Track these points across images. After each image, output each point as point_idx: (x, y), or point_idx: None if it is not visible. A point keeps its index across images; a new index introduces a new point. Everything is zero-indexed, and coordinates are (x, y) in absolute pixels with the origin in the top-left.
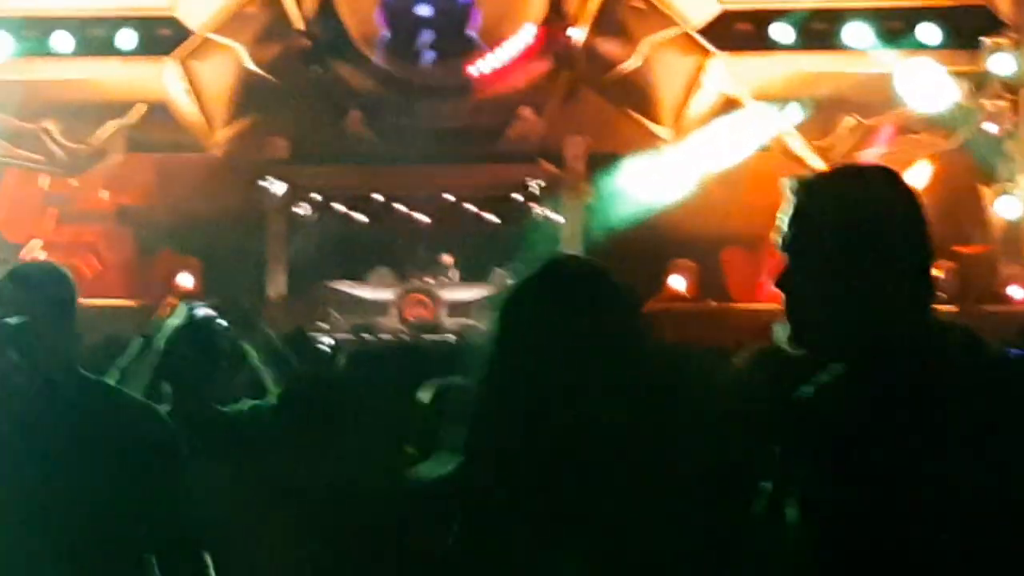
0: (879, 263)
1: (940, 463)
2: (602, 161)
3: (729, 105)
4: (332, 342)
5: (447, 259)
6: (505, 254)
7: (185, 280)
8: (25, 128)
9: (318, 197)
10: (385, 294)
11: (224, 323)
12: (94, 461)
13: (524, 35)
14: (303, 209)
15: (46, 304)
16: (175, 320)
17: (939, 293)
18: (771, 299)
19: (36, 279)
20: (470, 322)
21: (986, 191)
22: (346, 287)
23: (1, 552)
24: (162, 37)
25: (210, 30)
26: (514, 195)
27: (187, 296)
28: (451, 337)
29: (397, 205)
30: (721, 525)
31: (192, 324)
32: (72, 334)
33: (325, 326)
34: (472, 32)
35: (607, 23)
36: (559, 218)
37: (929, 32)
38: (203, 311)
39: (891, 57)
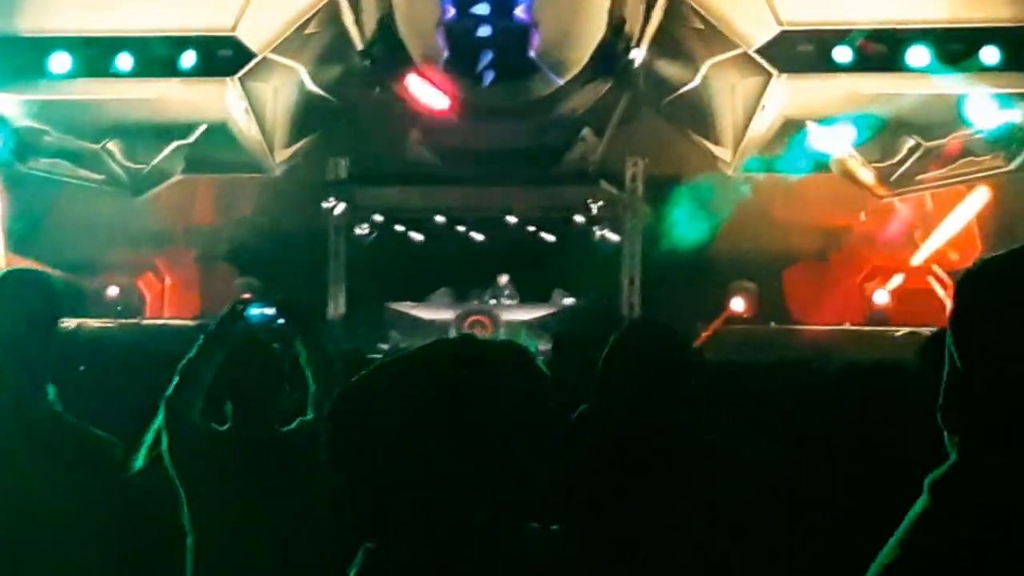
0: None
1: None
2: (662, 182)
3: (789, 126)
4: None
5: (503, 279)
6: (565, 275)
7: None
8: (87, 148)
9: (378, 217)
10: (445, 314)
11: (283, 321)
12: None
13: (584, 56)
14: (363, 229)
15: (18, 314)
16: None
17: None
18: (831, 320)
19: (7, 289)
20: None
21: None
22: (406, 308)
23: None
24: (223, 58)
25: (271, 51)
26: (574, 216)
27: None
28: None
29: (457, 226)
30: None
31: (253, 342)
32: (45, 346)
33: (384, 347)
34: (532, 53)
35: (667, 44)
36: (619, 239)
37: (991, 54)
38: (265, 310)
39: (952, 79)
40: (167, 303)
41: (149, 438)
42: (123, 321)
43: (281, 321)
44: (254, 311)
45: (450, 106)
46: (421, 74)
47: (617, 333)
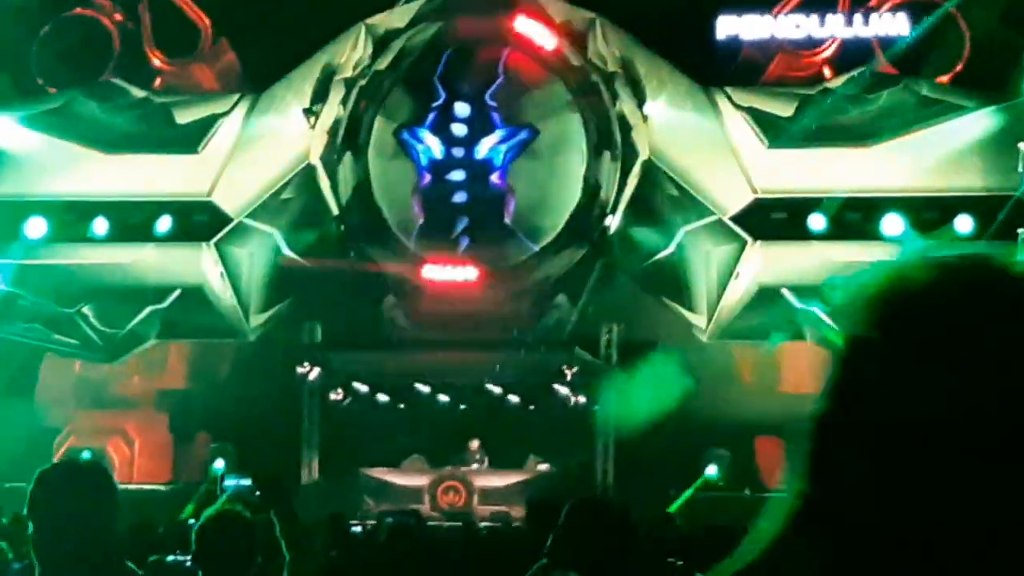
0: None
1: None
2: (636, 348)
3: (763, 293)
4: (361, 529)
5: (474, 444)
6: (540, 440)
7: (219, 465)
8: (62, 313)
9: (353, 383)
10: (418, 480)
11: (258, 494)
12: None
13: (560, 222)
14: (338, 395)
15: (87, 500)
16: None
17: None
18: None
19: (76, 477)
20: (503, 509)
21: None
22: (379, 473)
23: None
24: (199, 223)
25: (247, 216)
26: (550, 382)
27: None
28: (484, 524)
29: (431, 391)
30: None
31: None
32: (112, 526)
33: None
34: (508, 219)
35: (642, 211)
36: (593, 405)
37: (965, 223)
38: (240, 481)
39: (927, 248)
40: (136, 468)
41: None
42: None
43: (257, 493)
44: (229, 483)
45: (479, 275)
46: (433, 261)
47: (568, 508)
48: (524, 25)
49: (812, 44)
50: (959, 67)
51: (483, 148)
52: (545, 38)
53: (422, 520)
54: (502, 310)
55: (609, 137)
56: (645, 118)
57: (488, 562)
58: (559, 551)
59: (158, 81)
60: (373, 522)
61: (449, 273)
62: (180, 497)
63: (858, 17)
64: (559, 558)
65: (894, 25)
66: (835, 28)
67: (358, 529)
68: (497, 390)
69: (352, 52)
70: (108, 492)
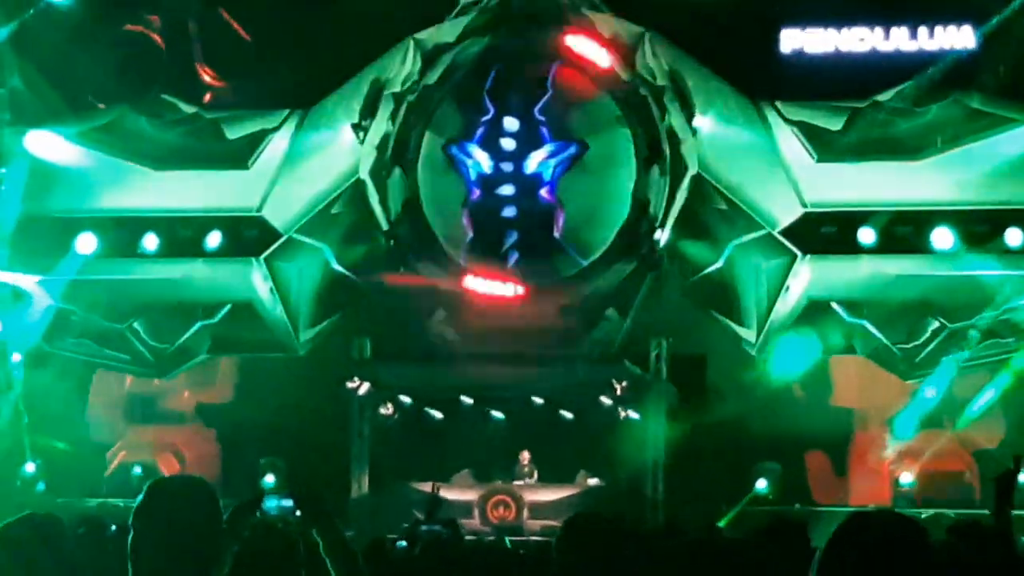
0: None
1: None
2: (685, 363)
3: (813, 307)
4: (405, 543)
5: (525, 457)
6: (590, 455)
7: (269, 480)
8: (112, 328)
9: (402, 397)
10: (468, 495)
11: (299, 514)
12: None
13: (609, 237)
14: (387, 410)
15: (189, 516)
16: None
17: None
18: (854, 501)
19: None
20: (553, 523)
21: None
22: (429, 487)
23: None
24: (249, 238)
25: (296, 231)
26: (599, 396)
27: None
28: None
29: (480, 405)
30: None
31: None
32: (216, 542)
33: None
34: (557, 234)
35: (691, 225)
36: (643, 419)
37: (1015, 236)
38: (282, 502)
39: (977, 261)
40: None
41: None
42: None
43: (298, 513)
44: (271, 503)
45: (524, 292)
46: (475, 273)
47: (565, 523)
48: (574, 41)
49: (877, 58)
50: (1009, 80)
51: (532, 163)
52: (596, 53)
53: (458, 532)
54: (552, 324)
55: (658, 151)
56: (694, 132)
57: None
58: (560, 561)
59: (208, 96)
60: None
61: (490, 287)
62: (232, 514)
63: (923, 30)
64: (561, 568)
65: (959, 38)
66: (900, 41)
67: (404, 543)
68: (547, 404)
69: (401, 67)
70: (211, 506)
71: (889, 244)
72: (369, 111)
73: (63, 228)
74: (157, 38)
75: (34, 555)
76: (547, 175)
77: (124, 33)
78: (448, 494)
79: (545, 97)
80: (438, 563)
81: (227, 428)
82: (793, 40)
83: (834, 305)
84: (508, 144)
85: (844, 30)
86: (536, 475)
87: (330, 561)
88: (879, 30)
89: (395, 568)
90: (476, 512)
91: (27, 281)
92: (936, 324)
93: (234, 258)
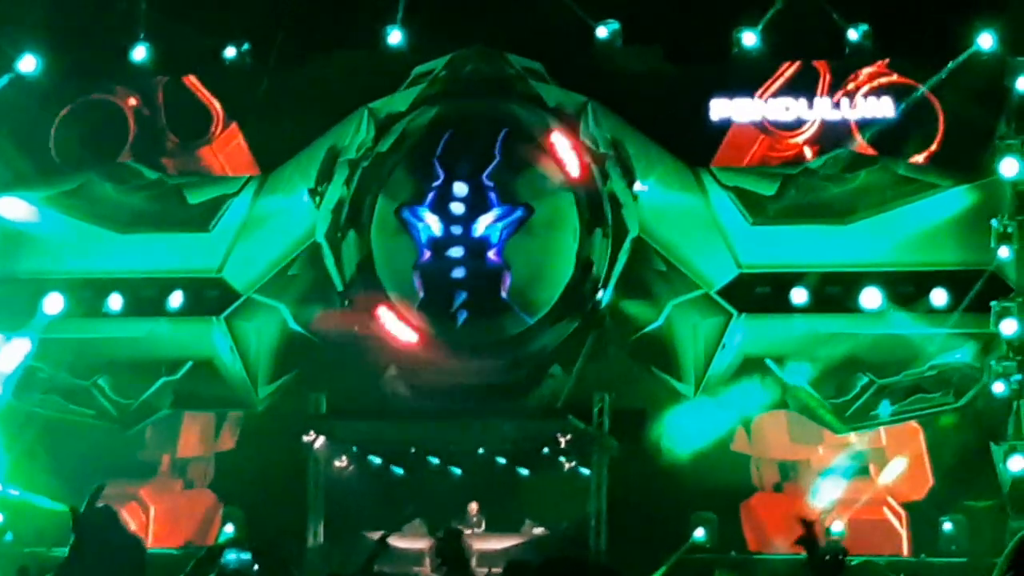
0: None
1: None
2: (627, 417)
3: (748, 364)
4: None
5: (473, 507)
6: (536, 505)
7: (228, 530)
8: (78, 384)
9: (356, 450)
10: (419, 544)
11: (256, 568)
12: None
13: (554, 296)
14: (342, 462)
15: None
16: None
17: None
18: (788, 549)
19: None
20: (499, 571)
21: (995, 448)
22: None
23: None
24: (210, 298)
25: (255, 291)
26: (544, 449)
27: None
28: None
29: (431, 458)
30: None
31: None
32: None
33: None
34: (504, 294)
35: (632, 285)
36: (586, 471)
37: (940, 296)
38: (241, 555)
39: (904, 320)
40: (152, 533)
41: None
42: None
43: (256, 568)
44: (230, 556)
45: (419, 340)
46: (391, 308)
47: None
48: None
49: (800, 125)
50: (934, 147)
51: (480, 226)
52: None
53: None
54: (500, 380)
55: (601, 215)
56: (635, 197)
57: None
58: None
59: (171, 163)
60: None
61: (394, 326)
62: (192, 561)
63: (844, 100)
64: None
65: (879, 107)
66: (822, 111)
67: None
68: (495, 457)
69: (356, 135)
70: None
71: (820, 304)
72: (325, 177)
73: (31, 289)
74: (124, 106)
75: None
76: (495, 238)
77: (92, 101)
78: (400, 543)
79: (493, 163)
80: None
81: (190, 480)
82: (721, 109)
83: (768, 362)
84: (457, 208)
85: (771, 100)
86: (484, 525)
87: None
88: (803, 100)
89: None
90: (427, 560)
91: None
92: (865, 380)
93: (195, 317)
